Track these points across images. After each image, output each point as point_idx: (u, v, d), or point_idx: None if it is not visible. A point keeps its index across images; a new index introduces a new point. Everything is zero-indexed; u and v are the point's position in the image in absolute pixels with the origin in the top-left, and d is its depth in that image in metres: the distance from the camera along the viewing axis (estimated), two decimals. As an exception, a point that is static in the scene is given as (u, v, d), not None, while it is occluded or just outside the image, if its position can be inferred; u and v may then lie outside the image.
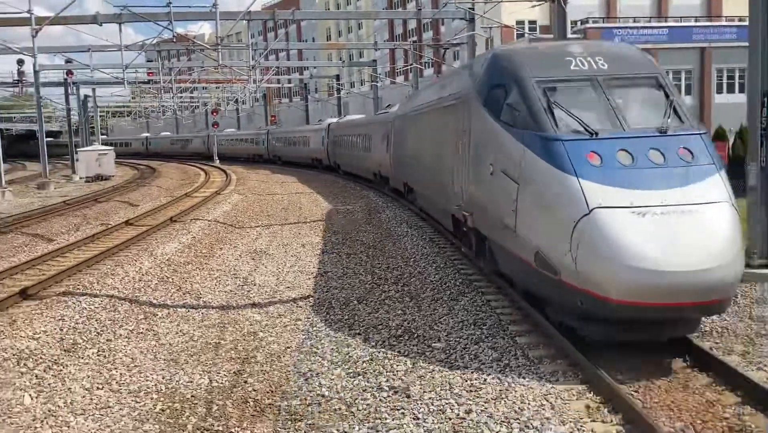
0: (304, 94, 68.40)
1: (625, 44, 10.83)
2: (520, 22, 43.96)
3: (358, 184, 32.18)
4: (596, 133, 7.50)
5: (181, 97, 69.02)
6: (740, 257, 7.03)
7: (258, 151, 60.02)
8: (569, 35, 19.53)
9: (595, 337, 7.42)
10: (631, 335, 7.20)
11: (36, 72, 40.40)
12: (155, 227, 19.55)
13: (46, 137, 42.60)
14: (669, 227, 6.70)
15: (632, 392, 6.70)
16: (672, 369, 7.24)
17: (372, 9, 68.07)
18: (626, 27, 39.36)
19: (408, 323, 9.27)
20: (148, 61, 77.07)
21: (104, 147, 48.90)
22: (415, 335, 8.78)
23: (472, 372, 7.41)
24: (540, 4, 27.63)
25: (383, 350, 8.25)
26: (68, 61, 41.66)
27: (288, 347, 8.57)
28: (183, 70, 57.55)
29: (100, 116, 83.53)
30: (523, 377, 7.19)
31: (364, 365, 7.78)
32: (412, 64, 38.63)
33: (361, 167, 31.49)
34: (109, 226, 20.57)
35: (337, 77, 58.89)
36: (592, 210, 6.86)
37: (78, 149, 48.08)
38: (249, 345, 8.75)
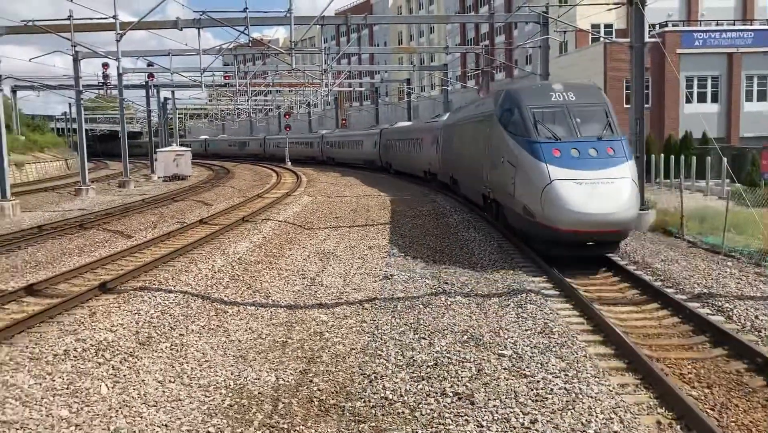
0: (375, 98, 68.84)
1: (590, 84, 16.78)
2: (595, 26, 42.97)
3: (425, 189, 32.13)
4: (559, 139, 12.91)
5: (256, 100, 70.56)
6: (635, 208, 12.67)
7: (313, 153, 63.40)
8: (647, 39, 18.96)
9: (554, 254, 12.87)
10: (575, 252, 12.82)
11: (119, 75, 42.13)
12: (228, 226, 20.05)
13: (127, 138, 44.37)
14: (594, 189, 12.07)
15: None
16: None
17: (444, 13, 67.91)
18: (707, 30, 37.85)
19: (474, 329, 9.18)
20: (224, 64, 79.25)
21: (182, 148, 50.54)
22: (481, 341, 8.69)
23: (538, 381, 7.27)
24: (617, 7, 26.96)
25: (448, 355, 8.19)
26: (149, 64, 43.26)
27: (353, 349, 8.63)
28: (258, 73, 58.87)
29: (178, 118, 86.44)
30: (592, 389, 7.01)
31: (429, 369, 7.75)
32: (483, 68, 38.26)
33: (413, 166, 36.00)
34: (185, 224, 21.22)
35: (408, 81, 59.10)
36: (552, 181, 12.29)
37: (157, 150, 49.82)
38: (315, 345, 8.85)
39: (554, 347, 8.36)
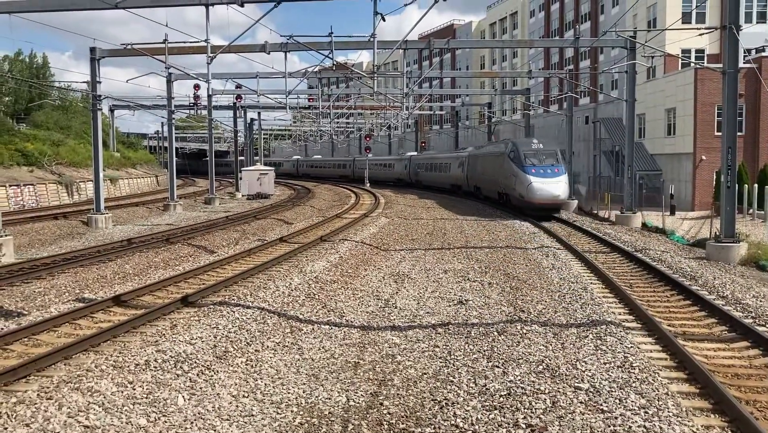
0: (455, 121, 68.78)
1: (551, 141, 33.57)
2: (685, 51, 41.57)
3: (503, 213, 31.75)
4: (534, 165, 29.08)
5: (338, 122, 71.93)
6: (565, 195, 29.34)
7: (345, 173, 76.93)
8: (741, 64, 18.15)
9: (530, 213, 29.05)
10: (541, 213, 28.60)
11: (209, 96, 43.84)
12: (306, 245, 20.37)
13: (214, 156, 45.98)
14: (548, 186, 28.28)
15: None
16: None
17: (528, 38, 67.38)
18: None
19: (550, 360, 8.92)
20: (309, 87, 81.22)
21: (265, 167, 51.88)
22: (557, 372, 8.42)
23: (616, 417, 6.97)
24: (710, 32, 26.04)
25: (522, 385, 7.98)
26: (238, 86, 44.76)
27: (425, 373, 8.53)
28: (340, 96, 59.96)
29: (263, 138, 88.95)
30: (674, 429, 6.66)
31: (501, 399, 7.56)
32: (567, 93, 37.63)
33: (442, 182, 50.49)
34: (265, 241, 21.71)
35: (489, 105, 58.77)
36: (531, 183, 28.47)
37: (242, 169, 51.37)
38: (387, 367, 8.81)
39: (634, 382, 8.01)
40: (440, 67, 66.43)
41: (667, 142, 37.95)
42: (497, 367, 8.70)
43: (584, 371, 8.45)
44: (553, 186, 28.26)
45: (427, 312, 11.88)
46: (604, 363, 8.77)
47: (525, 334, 10.23)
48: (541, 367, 8.65)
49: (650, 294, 13.64)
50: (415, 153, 64.81)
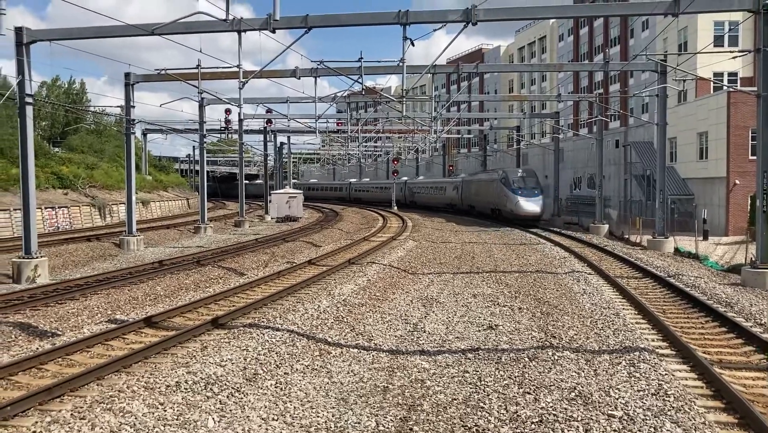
0: (483, 145, 68.71)
1: (532, 169, 46.19)
2: (718, 74, 41.20)
3: (534, 238, 31.52)
4: (520, 188, 40.45)
5: (366, 145, 72.36)
6: (541, 210, 40.07)
7: (341, 195, 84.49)
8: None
9: (517, 223, 39.63)
10: (526, 222, 39.29)
11: (240, 120, 44.55)
12: (334, 268, 20.42)
13: (245, 179, 46.48)
14: (531, 203, 39.52)
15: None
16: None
17: (557, 62, 67.33)
18: None
19: (582, 387, 8.78)
20: (338, 111, 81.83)
21: (294, 190, 52.30)
22: (590, 400, 8.28)
23: (651, 447, 6.82)
24: (742, 55, 25.81)
25: (554, 412, 7.85)
26: (268, 110, 45.31)
27: (455, 399, 8.45)
28: (369, 120, 60.40)
29: (292, 162, 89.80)
30: (712, 460, 6.49)
31: (533, 426, 7.45)
32: (597, 117, 37.42)
33: (438, 202, 59.45)
34: (294, 264, 21.81)
35: (518, 128, 58.68)
36: (518, 200, 39.63)
37: (271, 192, 51.81)
38: (416, 392, 8.74)
39: (669, 410, 7.84)
40: (468, 91, 66.54)
41: (700, 166, 37.46)
42: (528, 393, 8.58)
43: (617, 399, 8.30)
44: (534, 204, 39.86)
45: (457, 337, 11.80)
46: (638, 391, 8.61)
47: (557, 360, 10.09)
48: (573, 394, 8.52)
49: (684, 320, 13.39)
50: (408, 178, 75.62)
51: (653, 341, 11.44)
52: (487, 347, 11.01)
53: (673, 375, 9.29)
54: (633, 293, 15.92)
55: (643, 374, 9.27)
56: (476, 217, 47.11)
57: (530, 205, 39.11)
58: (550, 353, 10.46)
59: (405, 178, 74.92)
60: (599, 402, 8.19)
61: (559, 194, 46.93)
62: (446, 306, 14.68)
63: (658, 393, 8.48)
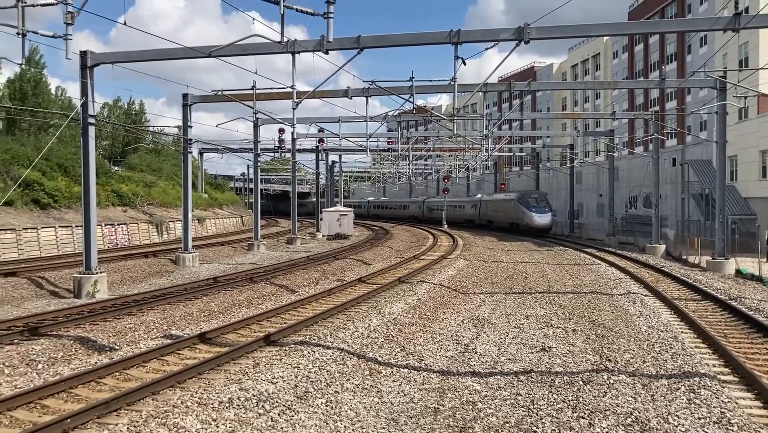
0: (536, 163, 67.99)
1: (544, 192, 56.13)
2: (780, 90, 39.81)
3: (588, 258, 30.91)
4: (534, 206, 50.45)
5: (416, 164, 72.48)
6: (551, 222, 50.72)
7: (361, 213, 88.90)
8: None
9: (533, 232, 49.64)
10: (539, 233, 49.41)
11: (293, 139, 45.22)
12: (384, 286, 20.41)
13: (296, 198, 47.09)
14: (542, 216, 49.89)
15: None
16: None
17: (612, 79, 66.33)
18: None
19: (639, 412, 8.52)
20: (388, 130, 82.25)
21: (345, 208, 52.67)
22: (647, 426, 8.02)
23: (714, 478, 6.55)
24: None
25: (610, 438, 7.63)
26: (320, 130, 45.92)
27: (507, 422, 8.30)
28: (419, 138, 60.53)
29: (344, 180, 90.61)
30: (779, 494, 6.19)
31: (588, 452, 7.25)
32: (653, 134, 36.63)
33: (456, 218, 66.85)
34: (344, 282, 21.90)
35: (571, 147, 57.90)
36: (533, 216, 49.77)
37: (323, 210, 52.33)
38: (467, 414, 8.63)
39: (733, 440, 7.53)
40: (521, 109, 66.11)
41: (762, 185, 36.21)
42: (583, 418, 8.37)
43: (677, 426, 8.02)
44: (545, 218, 49.95)
45: (509, 358, 11.62)
46: (699, 418, 8.30)
47: (612, 384, 9.83)
48: (629, 420, 8.27)
49: (747, 346, 12.89)
50: (425, 197, 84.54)
51: (714, 366, 11.04)
52: (540, 369, 10.80)
53: (736, 403, 8.94)
54: (692, 315, 15.43)
55: (704, 401, 8.94)
56: (494, 230, 57.18)
57: (543, 219, 50.08)
58: (605, 377, 10.19)
59: (423, 197, 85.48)
60: (657, 429, 7.93)
61: (614, 213, 45.97)
62: (498, 327, 14.49)
63: (721, 422, 8.16)
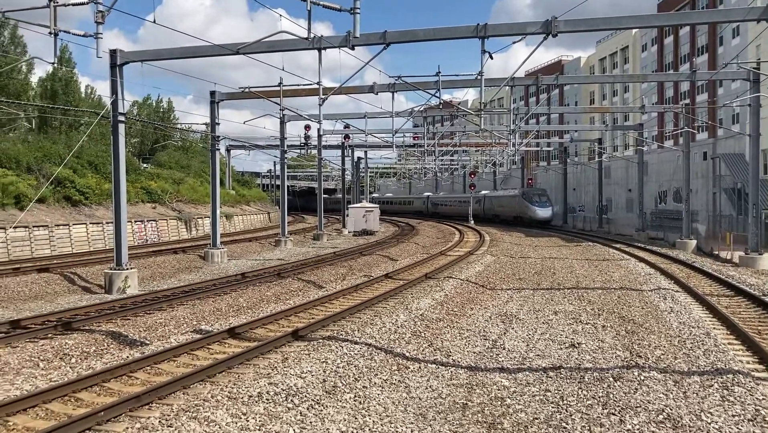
0: (563, 158, 67.34)
1: (544, 189, 62.11)
2: (816, 81, 38.90)
3: (618, 253, 30.58)
4: (536, 201, 56.80)
5: (442, 159, 72.22)
6: (552, 215, 56.86)
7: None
8: None
9: (536, 225, 55.55)
10: (540, 224, 55.43)
11: (319, 136, 45.36)
12: (411, 282, 20.41)
13: (323, 194, 47.24)
14: (544, 211, 56.17)
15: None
16: None
17: (641, 72, 65.44)
18: None
19: (671, 409, 8.42)
20: (414, 126, 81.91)
21: (371, 204, 52.73)
22: (680, 423, 7.93)
23: (748, 477, 6.45)
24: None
25: (641, 435, 7.55)
26: (346, 126, 45.94)
27: (536, 418, 8.26)
28: (446, 134, 60.32)
29: (370, 176, 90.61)
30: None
31: (619, 449, 7.18)
32: (683, 128, 36.07)
33: (457, 214, 71.03)
34: (371, 277, 21.94)
35: (599, 141, 57.22)
36: (536, 210, 55.95)
37: (349, 206, 52.46)
38: (496, 410, 8.60)
39: (768, 438, 7.41)
40: (548, 103, 65.52)
41: (797, 178, 35.47)
42: (613, 414, 8.30)
43: (710, 423, 7.91)
44: (546, 211, 55.81)
45: (537, 354, 11.55)
46: (733, 415, 8.18)
47: (643, 380, 9.72)
48: (661, 416, 8.18)
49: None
50: (431, 194, 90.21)
51: (748, 363, 10.86)
52: (569, 365, 10.72)
53: (771, 400, 8.78)
54: (724, 312, 15.18)
55: (738, 398, 8.80)
56: (499, 224, 61.74)
57: (544, 213, 56.01)
58: (635, 373, 10.09)
59: (428, 193, 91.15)
60: (690, 426, 7.83)
61: (644, 208, 45.34)
62: (526, 323, 14.41)
63: (755, 419, 8.03)
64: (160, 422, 7.91)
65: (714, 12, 26.32)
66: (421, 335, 13.06)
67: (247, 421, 8.00)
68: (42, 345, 12.35)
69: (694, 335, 12.78)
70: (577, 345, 12.10)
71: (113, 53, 20.73)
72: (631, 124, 57.30)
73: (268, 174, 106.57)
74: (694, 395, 9.05)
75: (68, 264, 24.30)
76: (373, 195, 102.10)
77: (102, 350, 12.37)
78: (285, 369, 10.28)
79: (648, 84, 65.08)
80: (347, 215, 50.76)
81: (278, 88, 28.38)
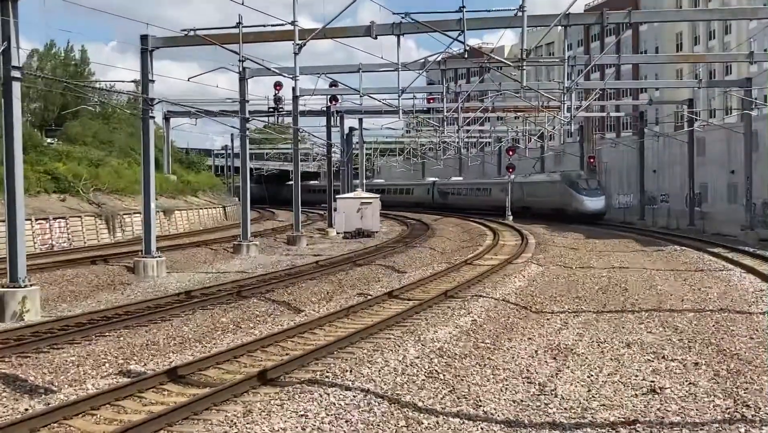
0: (639, 127, 67.33)
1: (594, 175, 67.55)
2: None
3: (716, 261, 30.62)
4: (585, 189, 61.65)
5: (468, 130, 71.95)
6: (605, 206, 62.02)
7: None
8: None
9: (585, 220, 58.66)
10: (592, 219, 59.14)
11: (295, 97, 44.61)
12: (425, 303, 20.46)
13: (300, 180, 46.69)
14: (595, 202, 60.72)
15: None
16: None
17: (749, 5, 65.38)
18: None
19: (791, 480, 8.44)
20: (428, 83, 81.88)
21: (368, 195, 52.64)
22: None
23: None
24: None
25: None
26: (333, 84, 45.52)
27: (601, 493, 8.29)
28: (473, 95, 60.35)
29: (366, 154, 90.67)
30: None
31: None
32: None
33: (480, 205, 76.59)
34: (369, 297, 22.01)
35: (690, 102, 57.23)
36: (584, 200, 60.47)
37: (337, 196, 52.14)
38: (545, 482, 8.63)
39: None
40: (617, 51, 65.39)
41: None
42: (710, 488, 8.33)
43: None
44: (598, 202, 59.90)
45: (603, 404, 11.59)
46: None
47: (752, 440, 9.76)
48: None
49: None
50: (437, 179, 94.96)
51: None
52: (648, 418, 10.77)
53: None
54: None
55: None
56: (531, 218, 63.51)
57: (595, 204, 59.64)
58: (742, 430, 10.13)
59: (434, 178, 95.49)
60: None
61: (753, 198, 45.20)
62: (587, 359, 14.46)
63: None
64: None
65: None
66: (439, 378, 13.11)
67: (195, 499, 8.04)
68: None
69: (822, 376, 12.81)
70: (659, 390, 12.16)
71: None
72: (735, 79, 57.33)
73: (224, 152, 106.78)
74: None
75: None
76: (374, 181, 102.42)
77: (-10, 400, 12.40)
78: (248, 426, 10.32)
79: (759, 22, 64.99)
80: (335, 210, 50.75)
81: (237, 30, 28.37)
